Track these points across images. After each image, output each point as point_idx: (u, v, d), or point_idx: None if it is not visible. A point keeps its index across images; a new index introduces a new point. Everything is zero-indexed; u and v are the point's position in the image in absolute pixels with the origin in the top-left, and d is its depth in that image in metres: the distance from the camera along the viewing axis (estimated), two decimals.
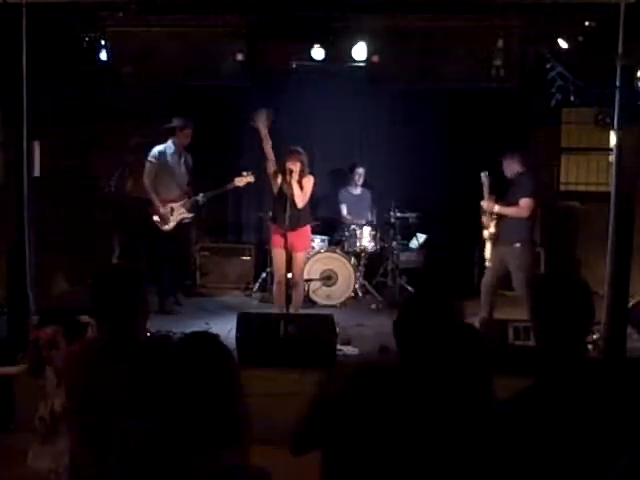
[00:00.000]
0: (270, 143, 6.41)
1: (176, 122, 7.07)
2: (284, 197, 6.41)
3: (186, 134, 7.09)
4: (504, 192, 6.46)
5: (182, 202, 7.13)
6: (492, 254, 6.45)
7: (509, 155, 6.37)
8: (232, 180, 7.04)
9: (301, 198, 6.43)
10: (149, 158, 7.04)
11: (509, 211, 6.23)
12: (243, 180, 7.02)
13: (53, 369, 3.75)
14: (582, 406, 2.17)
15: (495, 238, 6.36)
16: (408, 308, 2.53)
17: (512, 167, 6.34)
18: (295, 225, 6.36)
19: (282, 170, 6.44)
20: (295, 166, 6.35)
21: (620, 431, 2.15)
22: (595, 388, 2.22)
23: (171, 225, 7.08)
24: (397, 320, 2.47)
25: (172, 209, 7.08)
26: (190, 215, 7.21)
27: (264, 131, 6.38)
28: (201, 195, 7.18)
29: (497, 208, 6.27)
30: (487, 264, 6.52)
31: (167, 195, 7.08)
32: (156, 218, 7.04)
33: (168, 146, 7.11)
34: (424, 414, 2.27)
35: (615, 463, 1.88)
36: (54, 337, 3.82)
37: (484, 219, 6.46)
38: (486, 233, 6.42)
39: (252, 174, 7.02)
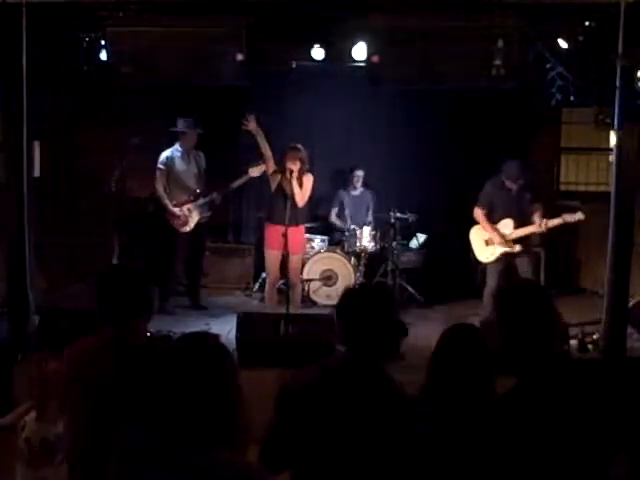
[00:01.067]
0: (266, 142, 6.41)
1: (180, 126, 7.07)
2: (283, 195, 6.40)
3: (190, 137, 7.10)
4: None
5: (198, 202, 7.15)
6: (498, 260, 6.37)
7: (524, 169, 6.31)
8: (246, 171, 6.90)
9: (301, 197, 6.43)
10: (158, 165, 7.09)
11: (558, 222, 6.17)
12: (258, 169, 6.80)
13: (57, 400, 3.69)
14: (554, 407, 2.19)
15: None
16: (346, 300, 2.53)
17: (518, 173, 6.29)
18: (293, 222, 6.36)
19: (282, 168, 6.44)
20: (295, 165, 6.35)
21: (594, 430, 2.16)
22: (567, 389, 2.24)
23: (191, 226, 7.13)
24: (337, 310, 2.50)
25: (189, 210, 7.11)
26: (208, 214, 7.25)
27: (258, 131, 6.38)
28: (215, 194, 7.18)
29: (549, 224, 6.16)
30: (488, 265, 6.49)
31: (182, 198, 7.12)
32: (175, 221, 7.07)
33: (175, 149, 7.15)
34: (365, 410, 2.32)
35: (607, 468, 1.90)
36: (60, 372, 3.74)
37: (498, 239, 6.33)
38: (510, 248, 6.29)
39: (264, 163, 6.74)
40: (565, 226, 6.29)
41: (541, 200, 6.44)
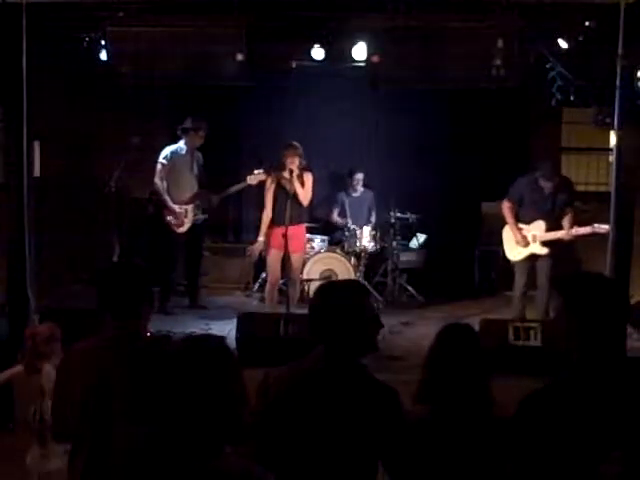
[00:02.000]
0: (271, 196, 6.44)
1: (190, 123, 7.04)
2: (285, 195, 6.39)
3: (200, 136, 7.07)
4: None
5: (196, 203, 7.14)
6: (525, 259, 6.30)
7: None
8: (245, 179, 6.82)
9: (304, 195, 6.43)
10: (160, 159, 7.05)
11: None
12: (256, 178, 6.72)
13: (52, 364, 3.73)
14: (605, 405, 2.14)
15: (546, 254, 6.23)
16: (317, 297, 2.51)
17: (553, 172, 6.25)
18: (295, 221, 6.37)
19: (281, 167, 6.42)
20: (294, 164, 6.35)
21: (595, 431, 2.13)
22: (623, 388, 2.19)
23: (186, 227, 7.11)
24: (310, 309, 2.48)
25: (186, 211, 7.10)
26: (204, 216, 7.22)
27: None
28: (213, 197, 7.14)
29: (579, 231, 6.09)
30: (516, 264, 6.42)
31: (180, 197, 7.10)
32: (170, 219, 7.05)
33: (179, 147, 7.12)
34: (339, 410, 2.30)
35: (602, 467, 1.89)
36: (52, 331, 3.80)
37: (518, 237, 6.24)
38: (538, 250, 6.22)
39: (264, 172, 6.68)
40: (594, 236, 6.08)
41: (573, 205, 6.35)
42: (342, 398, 2.33)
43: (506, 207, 6.33)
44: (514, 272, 6.44)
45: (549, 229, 6.17)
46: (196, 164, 7.20)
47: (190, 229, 7.16)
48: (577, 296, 2.22)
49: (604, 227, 5.79)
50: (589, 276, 2.37)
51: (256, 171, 6.76)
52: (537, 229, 6.22)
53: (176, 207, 7.04)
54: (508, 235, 6.42)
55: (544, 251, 6.19)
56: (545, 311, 6.21)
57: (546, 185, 6.14)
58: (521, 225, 6.29)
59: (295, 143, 6.45)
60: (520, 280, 6.37)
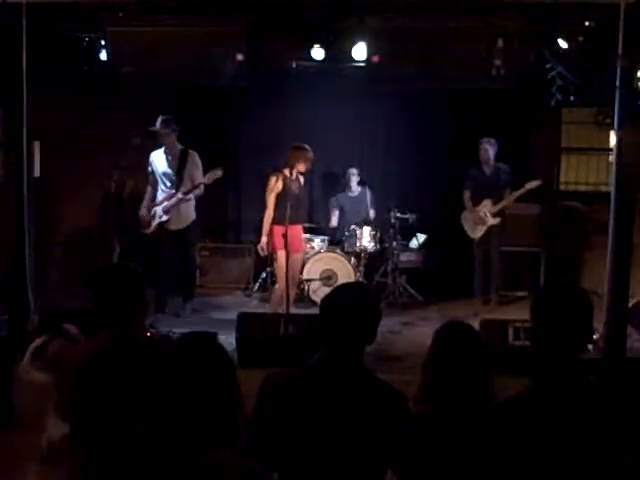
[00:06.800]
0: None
1: (156, 125, 6.79)
2: (288, 196, 6.37)
3: (165, 136, 6.78)
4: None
5: (163, 205, 6.88)
6: (483, 235, 7.40)
7: (492, 142, 7.35)
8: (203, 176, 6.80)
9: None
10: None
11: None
12: (209, 177, 6.71)
13: None
14: (572, 416, 2.15)
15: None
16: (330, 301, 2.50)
17: (490, 155, 7.35)
18: (295, 222, 6.37)
19: (285, 165, 6.41)
20: (303, 168, 6.38)
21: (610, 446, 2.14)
22: (586, 402, 2.20)
23: (151, 229, 6.90)
24: (320, 310, 2.46)
25: (155, 212, 6.90)
26: (166, 217, 6.85)
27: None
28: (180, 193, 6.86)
29: (515, 194, 7.22)
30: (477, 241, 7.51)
31: (157, 198, 6.94)
32: (141, 221, 6.95)
33: (161, 149, 6.91)
34: (341, 412, 2.29)
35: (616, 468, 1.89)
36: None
37: (476, 218, 7.40)
38: (492, 221, 7.33)
39: (220, 169, 6.72)
40: (527, 195, 7.27)
41: (510, 187, 7.33)
42: (348, 400, 2.30)
43: (466, 197, 7.49)
44: (474, 249, 7.55)
45: (495, 203, 7.30)
46: (177, 165, 6.87)
47: (159, 231, 6.88)
48: (537, 302, 2.31)
49: (534, 183, 7.11)
50: (556, 286, 2.42)
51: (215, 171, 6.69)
52: (486, 207, 7.33)
53: (141, 211, 6.90)
54: (466, 218, 7.51)
55: (497, 220, 7.33)
56: (497, 281, 7.49)
57: (485, 167, 7.36)
58: (475, 208, 7.41)
59: (307, 147, 6.42)
60: (479, 252, 7.51)
